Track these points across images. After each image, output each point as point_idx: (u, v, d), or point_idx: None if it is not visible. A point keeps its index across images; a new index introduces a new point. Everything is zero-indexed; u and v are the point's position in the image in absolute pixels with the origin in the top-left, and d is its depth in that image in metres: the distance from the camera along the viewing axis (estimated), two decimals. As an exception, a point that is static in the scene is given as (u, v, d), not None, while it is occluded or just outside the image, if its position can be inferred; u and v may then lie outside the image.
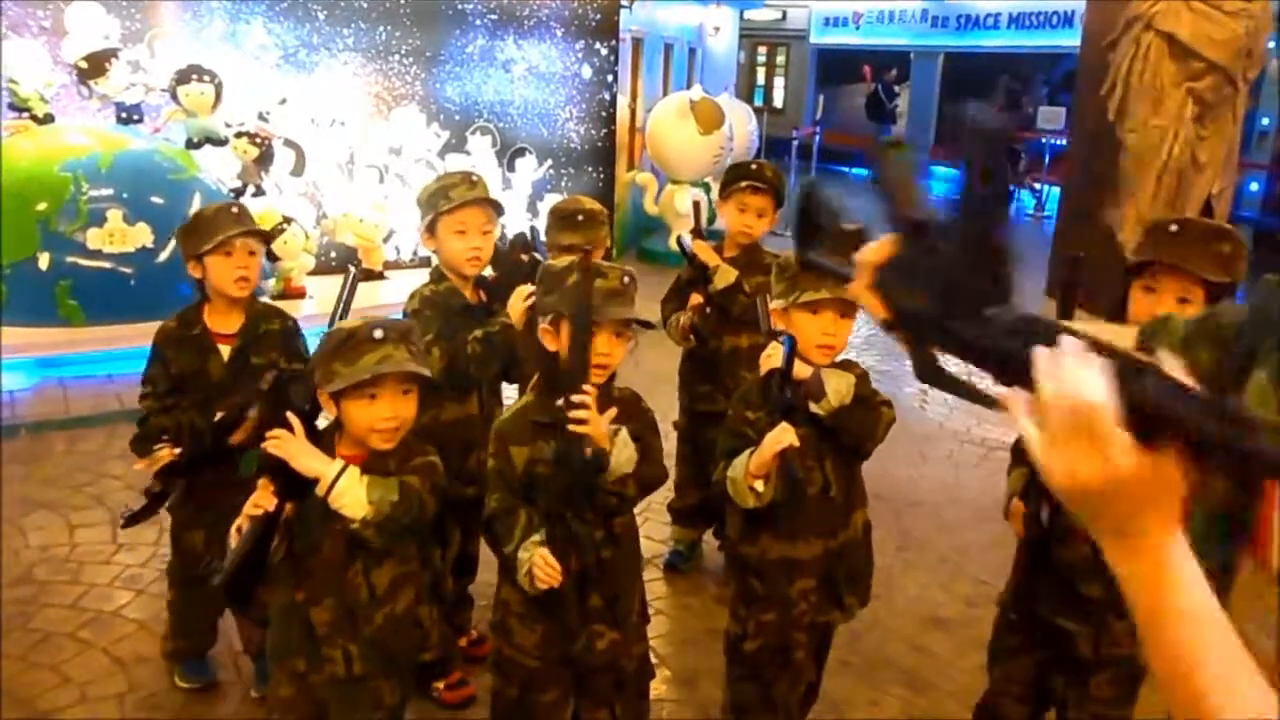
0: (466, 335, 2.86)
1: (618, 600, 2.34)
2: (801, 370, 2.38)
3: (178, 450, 2.77)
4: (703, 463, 3.61)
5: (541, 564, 2.15)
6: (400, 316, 2.84)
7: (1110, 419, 0.76)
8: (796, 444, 2.29)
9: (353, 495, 2.05)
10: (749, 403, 2.52)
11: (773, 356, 2.42)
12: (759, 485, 2.36)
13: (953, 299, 0.91)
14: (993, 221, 0.93)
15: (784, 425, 2.30)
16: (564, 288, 2.23)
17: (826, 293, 2.35)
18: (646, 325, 2.35)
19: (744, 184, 3.56)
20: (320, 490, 2.05)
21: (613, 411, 2.20)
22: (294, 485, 2.04)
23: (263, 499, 2.02)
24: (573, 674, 2.38)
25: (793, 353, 2.34)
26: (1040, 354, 0.82)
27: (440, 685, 3.11)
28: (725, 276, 3.53)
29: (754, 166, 3.69)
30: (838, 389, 2.40)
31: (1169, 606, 0.80)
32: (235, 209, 3.00)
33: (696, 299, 3.63)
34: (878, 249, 0.98)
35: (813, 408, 2.38)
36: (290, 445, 2.04)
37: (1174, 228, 2.28)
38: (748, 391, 2.58)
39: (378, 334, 2.06)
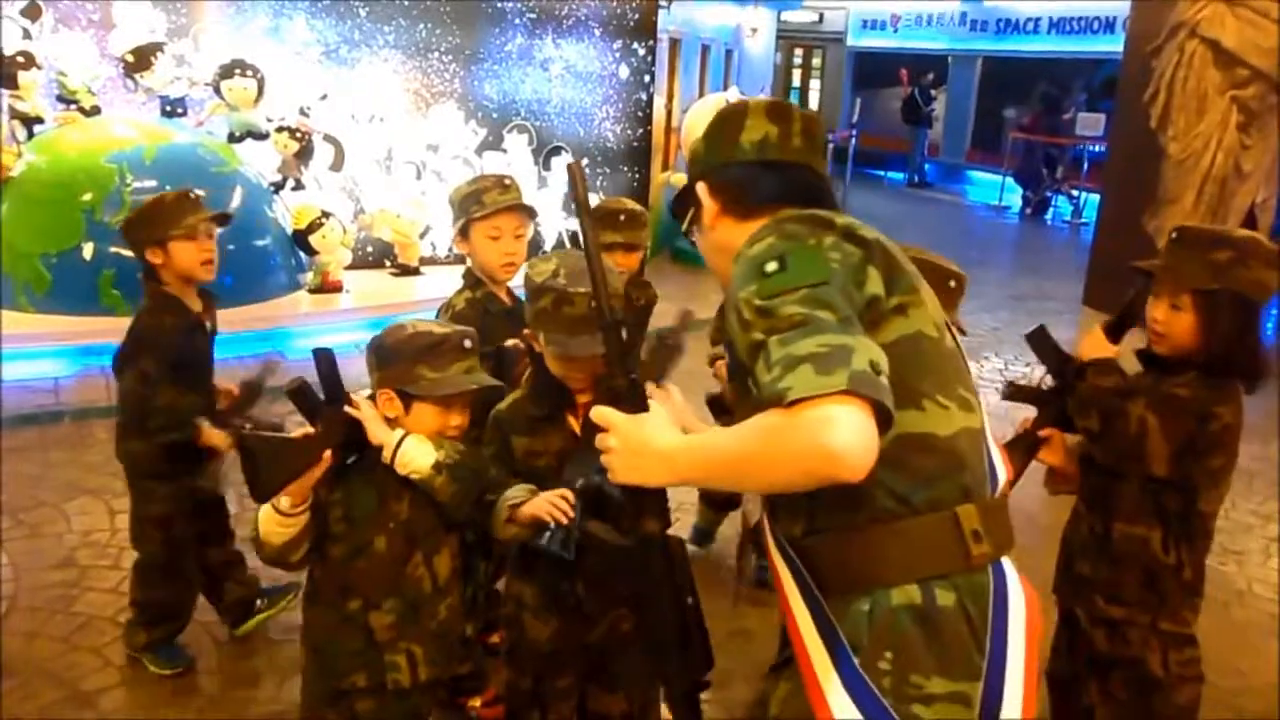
0: (506, 340, 2.79)
1: None
2: None
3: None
4: None
5: (551, 502, 2.08)
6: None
7: None
8: None
9: (419, 450, 2.03)
10: None
11: None
12: None
13: None
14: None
15: None
16: (535, 308, 2.21)
17: None
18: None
19: None
20: (386, 456, 2.02)
21: None
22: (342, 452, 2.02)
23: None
24: (586, 659, 2.35)
25: None
26: None
27: (477, 703, 3.10)
28: None
29: None
30: None
31: None
32: (194, 195, 3.05)
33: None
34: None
35: None
36: (367, 411, 2.03)
37: (1174, 235, 2.35)
38: None
39: (467, 344, 2.07)
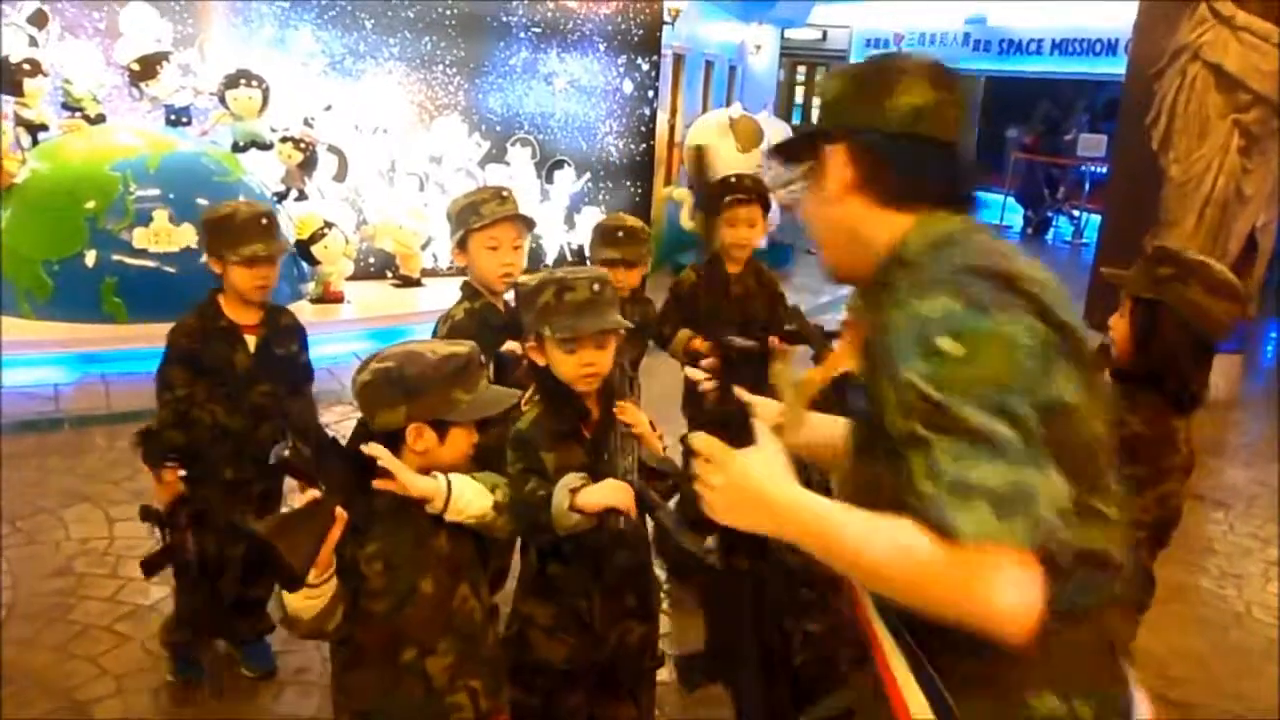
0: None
1: (649, 595, 2.36)
2: None
3: (183, 473, 2.86)
4: None
5: (614, 489, 2.01)
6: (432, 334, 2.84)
7: None
8: None
9: (472, 492, 1.93)
10: None
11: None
12: None
13: None
14: None
15: None
16: (536, 307, 2.20)
17: None
18: (627, 328, 2.28)
19: (728, 199, 3.60)
20: (436, 506, 1.90)
21: None
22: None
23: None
24: (596, 672, 2.33)
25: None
26: None
27: None
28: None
29: (734, 179, 3.72)
30: None
31: None
32: (265, 220, 2.96)
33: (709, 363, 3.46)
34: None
35: None
36: (395, 464, 1.88)
37: (1146, 250, 2.48)
38: None
39: (482, 357, 2.03)
